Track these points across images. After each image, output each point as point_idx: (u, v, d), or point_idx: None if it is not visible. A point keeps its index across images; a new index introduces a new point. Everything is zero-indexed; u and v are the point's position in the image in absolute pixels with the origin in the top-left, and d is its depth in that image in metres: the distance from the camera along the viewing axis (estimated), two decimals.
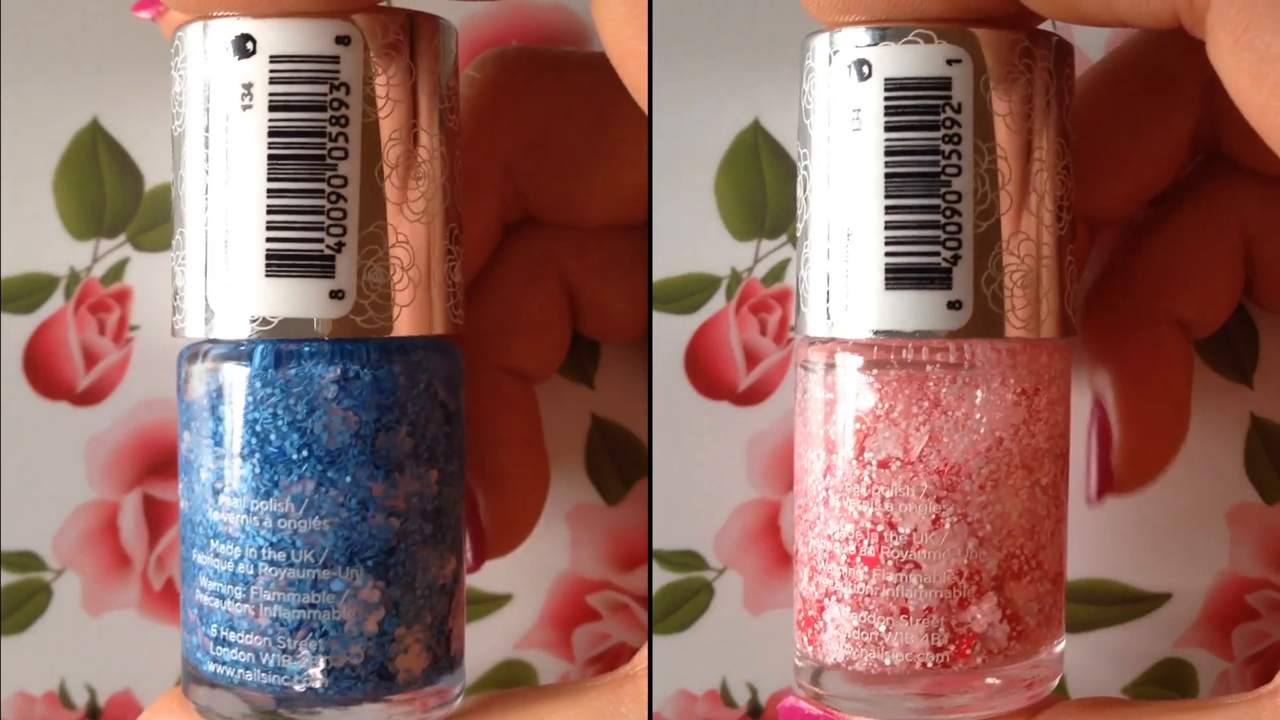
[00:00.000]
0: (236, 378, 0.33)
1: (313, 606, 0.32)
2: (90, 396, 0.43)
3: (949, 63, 0.33)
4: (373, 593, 0.32)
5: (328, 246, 0.32)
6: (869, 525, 0.34)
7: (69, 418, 0.43)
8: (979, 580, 0.34)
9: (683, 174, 0.42)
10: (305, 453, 0.32)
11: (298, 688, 0.32)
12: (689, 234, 0.42)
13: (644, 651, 0.34)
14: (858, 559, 0.34)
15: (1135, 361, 0.39)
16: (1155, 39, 0.38)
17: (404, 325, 0.33)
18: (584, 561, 0.44)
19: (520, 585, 0.44)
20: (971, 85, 0.33)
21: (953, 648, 0.34)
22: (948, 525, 0.34)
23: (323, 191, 0.32)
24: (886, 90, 0.33)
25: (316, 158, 0.32)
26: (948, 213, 0.33)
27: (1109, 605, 0.43)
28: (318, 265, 0.32)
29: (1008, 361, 0.34)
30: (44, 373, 0.42)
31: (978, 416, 0.34)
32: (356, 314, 0.32)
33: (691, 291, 0.43)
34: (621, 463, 0.44)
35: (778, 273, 0.43)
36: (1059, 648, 0.36)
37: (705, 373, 0.43)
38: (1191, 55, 0.37)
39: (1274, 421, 0.43)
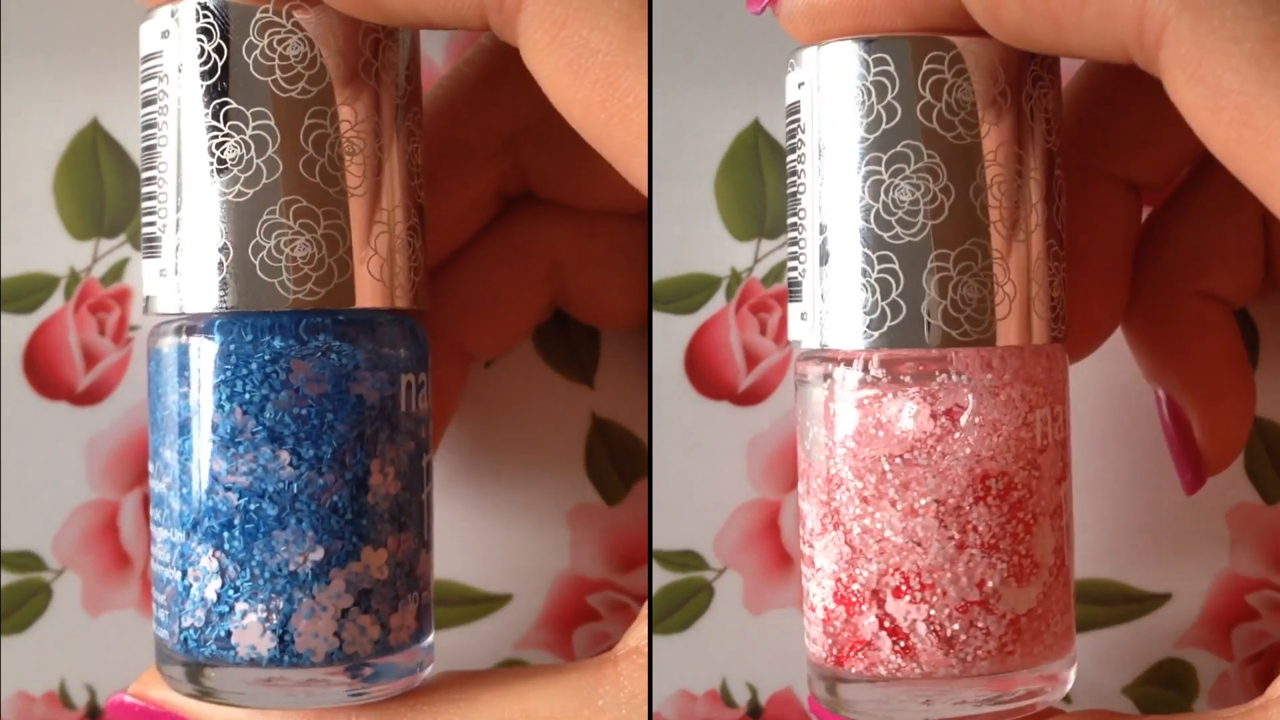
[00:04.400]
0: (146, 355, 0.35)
1: (170, 565, 0.34)
2: (90, 396, 0.43)
3: (799, 86, 0.35)
4: (211, 561, 0.34)
5: (159, 229, 0.34)
6: (800, 518, 0.36)
7: (69, 418, 0.43)
8: (855, 589, 0.34)
9: (683, 174, 0.42)
10: (166, 424, 0.34)
11: (166, 639, 0.35)
12: (689, 234, 0.42)
13: (627, 636, 0.34)
14: (800, 547, 0.36)
15: (1188, 343, 0.39)
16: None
17: (205, 301, 0.34)
18: (584, 561, 0.44)
19: (520, 585, 0.44)
20: (816, 106, 0.34)
21: (838, 650, 0.35)
22: (829, 529, 0.35)
23: (153, 179, 0.34)
24: (785, 117, 0.35)
25: (148, 148, 0.34)
26: (799, 228, 0.35)
27: (1109, 605, 0.43)
28: (156, 247, 0.34)
29: (889, 371, 0.34)
30: (44, 373, 0.42)
31: (860, 423, 0.34)
32: (174, 293, 0.34)
33: (691, 291, 0.43)
34: (621, 463, 0.44)
35: (778, 273, 0.43)
36: (1022, 684, 0.35)
37: (705, 373, 0.43)
38: None
39: (1274, 421, 0.43)
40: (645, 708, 0.33)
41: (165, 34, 0.34)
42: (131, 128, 0.42)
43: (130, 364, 0.43)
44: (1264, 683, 0.43)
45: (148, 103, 0.34)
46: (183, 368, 0.34)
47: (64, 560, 0.43)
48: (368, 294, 0.34)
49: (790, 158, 0.35)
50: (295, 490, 0.33)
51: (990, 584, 0.34)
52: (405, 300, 0.35)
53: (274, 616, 0.33)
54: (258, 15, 0.33)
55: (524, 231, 0.40)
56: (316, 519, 0.33)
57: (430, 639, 0.36)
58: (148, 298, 0.35)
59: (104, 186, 0.42)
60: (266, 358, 0.33)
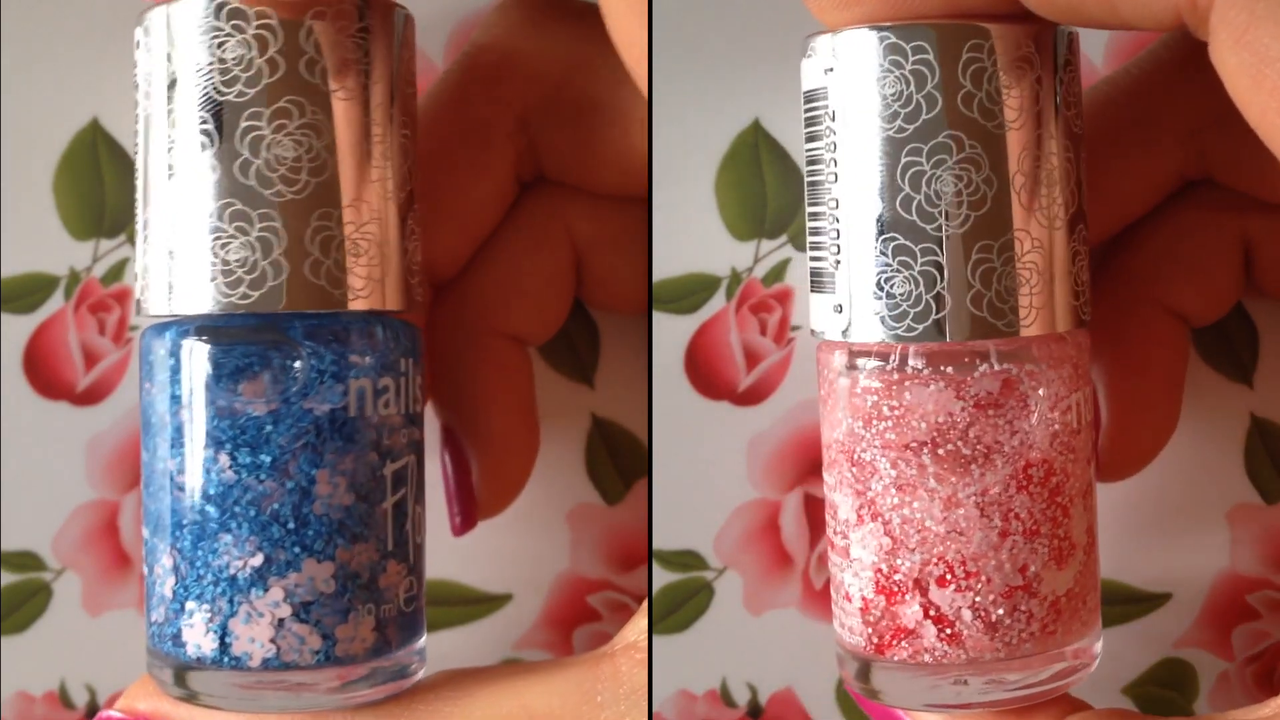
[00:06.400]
0: None
1: (145, 561, 0.35)
2: (90, 396, 0.43)
3: (826, 72, 0.34)
4: (168, 559, 0.34)
5: (137, 232, 0.35)
6: (831, 510, 0.36)
7: (69, 418, 0.43)
8: (897, 579, 0.34)
9: (683, 174, 0.42)
10: (141, 422, 0.35)
11: (146, 632, 0.35)
12: (689, 234, 0.42)
13: (624, 631, 0.34)
14: (829, 539, 0.36)
15: (1132, 351, 0.39)
16: (1144, 74, 0.39)
17: (153, 305, 0.34)
18: (584, 561, 0.44)
19: (520, 585, 0.44)
20: (846, 94, 0.34)
21: (880, 639, 0.35)
22: (866, 520, 0.35)
23: (136, 185, 0.35)
24: (804, 103, 0.35)
25: (138, 154, 0.35)
26: (831, 219, 0.34)
27: (1109, 605, 0.43)
28: (135, 249, 0.35)
29: (929, 362, 0.34)
30: (44, 373, 0.42)
31: (898, 415, 0.34)
32: (141, 295, 0.35)
33: (691, 291, 0.43)
34: (621, 463, 0.44)
35: (778, 273, 0.43)
36: (1051, 668, 0.35)
37: (705, 373, 0.43)
38: (1174, 103, 0.37)
39: (1274, 421, 0.43)
40: (643, 702, 0.33)
41: (138, 45, 0.34)
42: (132, 128, 0.42)
43: (130, 364, 0.43)
44: (1264, 682, 0.43)
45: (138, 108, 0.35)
46: (147, 367, 0.34)
47: (64, 560, 0.43)
48: (307, 297, 0.33)
49: (814, 145, 0.35)
50: (236, 495, 0.33)
51: (1033, 568, 0.34)
52: (369, 302, 0.34)
53: (216, 618, 0.34)
54: (200, 19, 0.33)
55: (543, 215, 0.40)
56: (257, 525, 0.33)
57: (418, 643, 0.36)
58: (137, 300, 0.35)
59: (104, 186, 0.42)
60: (207, 361, 0.33)
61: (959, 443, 0.34)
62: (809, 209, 0.35)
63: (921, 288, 0.33)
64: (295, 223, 0.33)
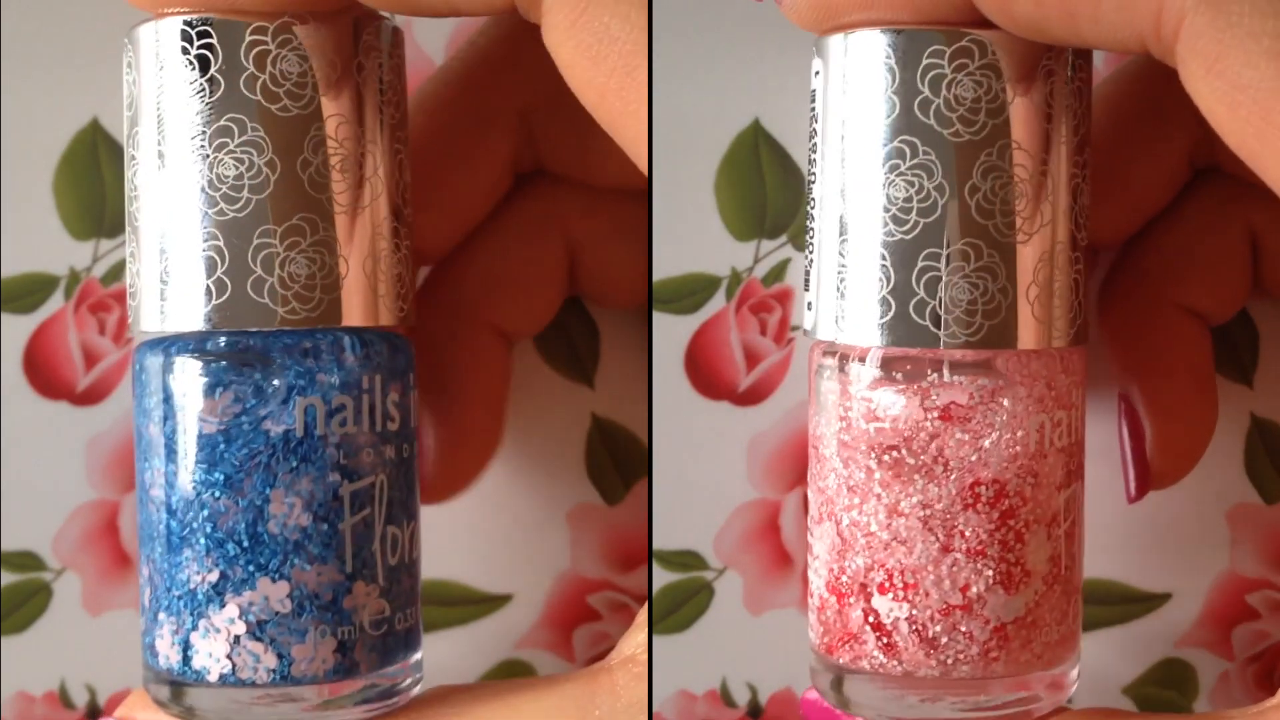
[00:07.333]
0: None
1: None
2: (90, 396, 0.43)
3: (814, 74, 0.35)
4: (145, 569, 0.35)
5: None
6: (808, 506, 0.36)
7: (69, 418, 0.43)
8: (844, 581, 0.34)
9: (683, 174, 0.42)
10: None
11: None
12: (689, 234, 0.42)
13: (622, 644, 0.34)
14: (806, 534, 0.36)
15: (1157, 354, 0.39)
16: (1147, 66, 0.39)
17: (143, 322, 0.34)
18: (584, 561, 0.44)
19: (520, 585, 0.44)
20: (826, 97, 0.34)
21: (830, 639, 0.35)
22: (824, 519, 0.35)
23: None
24: (810, 103, 0.35)
25: None
26: (809, 218, 0.35)
27: (1109, 605, 0.43)
28: None
29: (883, 367, 0.34)
30: (44, 373, 0.42)
31: (851, 418, 0.34)
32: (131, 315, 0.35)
33: (691, 291, 0.43)
34: (621, 463, 0.44)
35: (778, 273, 0.43)
36: (998, 698, 0.35)
37: (705, 373, 0.43)
38: (1176, 88, 0.37)
39: (1274, 421, 0.43)
40: (642, 716, 0.33)
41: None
42: None
43: (130, 364, 0.43)
44: (1264, 682, 0.43)
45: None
46: (133, 382, 0.35)
47: (64, 560, 0.43)
48: (252, 316, 0.33)
49: (808, 145, 0.35)
50: (195, 511, 0.33)
51: (974, 589, 0.34)
52: (328, 319, 0.34)
53: (180, 630, 0.34)
54: (155, 42, 0.33)
55: (538, 208, 0.40)
56: (213, 542, 0.33)
57: (410, 659, 0.36)
58: None
59: (104, 186, 0.42)
60: (167, 380, 0.34)
61: (904, 451, 0.34)
62: (807, 208, 0.36)
63: (870, 291, 0.33)
64: (241, 240, 0.33)
